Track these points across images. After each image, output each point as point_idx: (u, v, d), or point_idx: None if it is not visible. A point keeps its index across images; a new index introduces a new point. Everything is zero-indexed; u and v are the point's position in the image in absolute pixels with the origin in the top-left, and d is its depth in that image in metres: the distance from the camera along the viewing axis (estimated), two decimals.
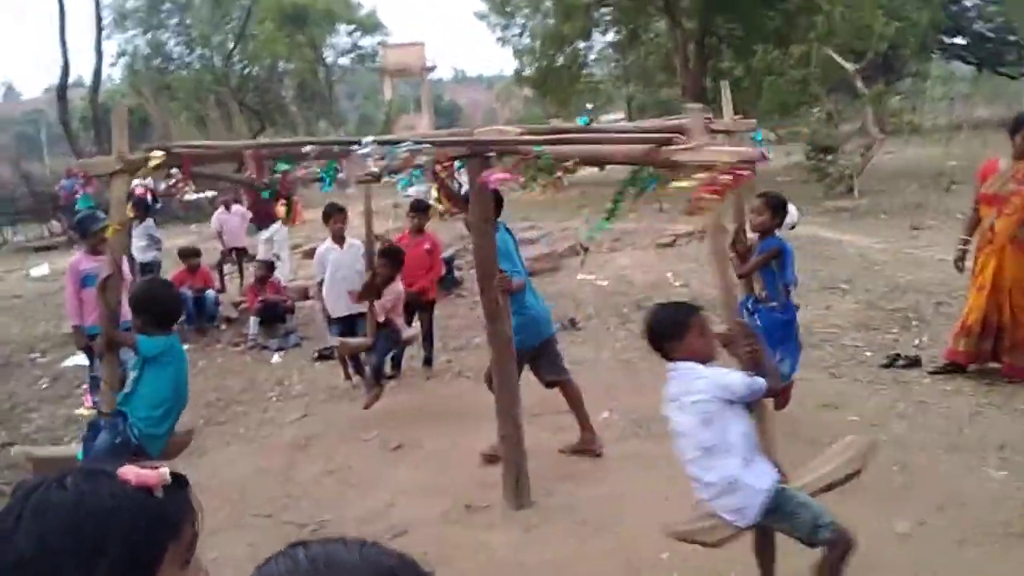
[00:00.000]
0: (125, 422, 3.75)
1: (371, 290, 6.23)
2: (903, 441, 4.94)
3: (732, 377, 2.84)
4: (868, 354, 6.70)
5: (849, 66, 18.30)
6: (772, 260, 5.08)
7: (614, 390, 6.32)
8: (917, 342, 6.94)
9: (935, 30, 29.39)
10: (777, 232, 5.20)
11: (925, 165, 20.46)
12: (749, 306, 5.07)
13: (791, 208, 5.44)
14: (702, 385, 2.83)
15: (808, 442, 5.03)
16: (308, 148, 3.95)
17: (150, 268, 9.87)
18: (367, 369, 6.33)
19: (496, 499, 4.47)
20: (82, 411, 6.62)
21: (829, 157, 16.83)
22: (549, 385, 5.19)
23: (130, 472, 1.08)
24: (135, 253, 9.50)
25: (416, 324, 7.21)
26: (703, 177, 2.63)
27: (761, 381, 2.82)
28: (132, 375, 3.87)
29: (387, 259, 6.30)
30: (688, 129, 2.96)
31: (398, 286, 6.37)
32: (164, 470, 1.12)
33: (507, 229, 5.04)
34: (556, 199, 18.30)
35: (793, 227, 5.83)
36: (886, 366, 6.33)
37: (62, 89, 19.36)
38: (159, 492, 1.10)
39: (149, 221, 10.55)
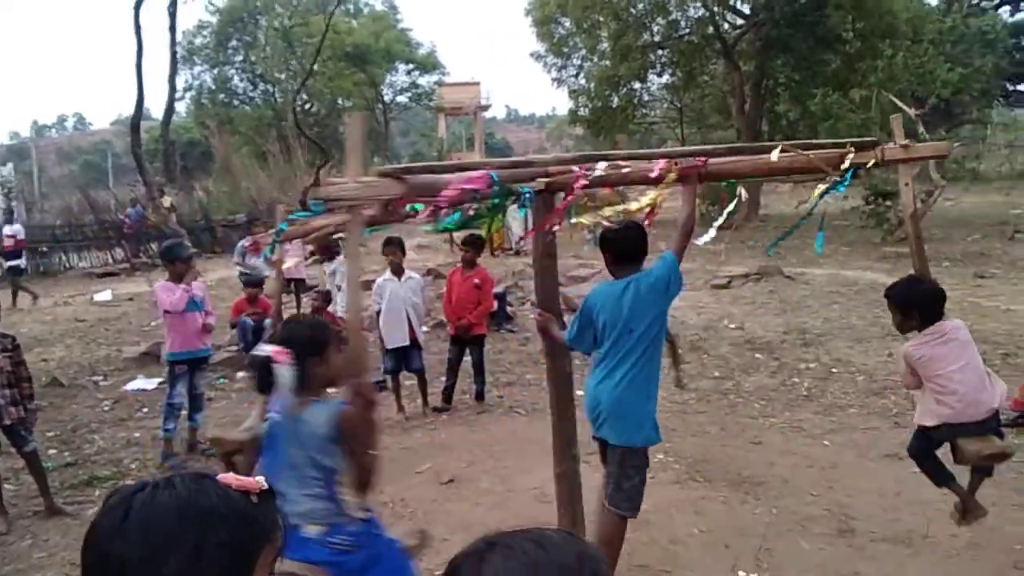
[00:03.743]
0: None
1: None
2: None
3: None
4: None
5: (910, 111, 18.07)
6: None
7: (668, 433, 6.18)
8: None
9: (999, 76, 28.94)
10: None
11: (987, 213, 20.04)
12: None
13: None
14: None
15: (875, 493, 4.91)
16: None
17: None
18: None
19: None
20: None
21: (888, 202, 16.57)
22: None
23: (231, 478, 1.13)
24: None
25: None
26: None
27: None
28: None
29: None
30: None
31: None
32: (260, 478, 1.16)
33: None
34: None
35: None
36: None
37: (136, 121, 20.01)
38: (255, 498, 1.14)
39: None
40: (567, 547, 1.02)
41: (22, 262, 15.44)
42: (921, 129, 18.41)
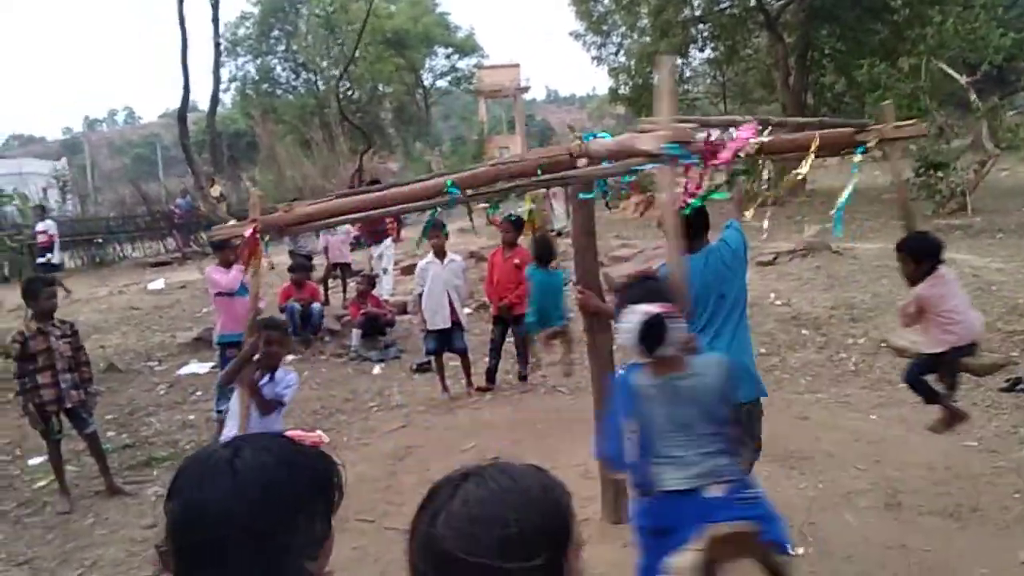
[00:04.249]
0: None
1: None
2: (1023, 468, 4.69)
3: None
4: (986, 377, 6.37)
5: (962, 79, 17.52)
6: None
7: None
8: None
9: None
10: None
11: None
12: None
13: None
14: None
15: (923, 467, 4.85)
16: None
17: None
18: None
19: (594, 513, 4.47)
20: None
21: (940, 173, 16.11)
22: None
23: (300, 434, 1.23)
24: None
25: None
26: None
27: None
28: None
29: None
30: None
31: None
32: (321, 433, 1.27)
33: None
34: (650, 216, 18.13)
35: None
36: (1006, 390, 6.01)
37: (183, 113, 20.39)
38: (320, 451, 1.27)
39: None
40: (533, 478, 1.12)
41: (55, 257, 15.71)
42: (973, 97, 17.87)
